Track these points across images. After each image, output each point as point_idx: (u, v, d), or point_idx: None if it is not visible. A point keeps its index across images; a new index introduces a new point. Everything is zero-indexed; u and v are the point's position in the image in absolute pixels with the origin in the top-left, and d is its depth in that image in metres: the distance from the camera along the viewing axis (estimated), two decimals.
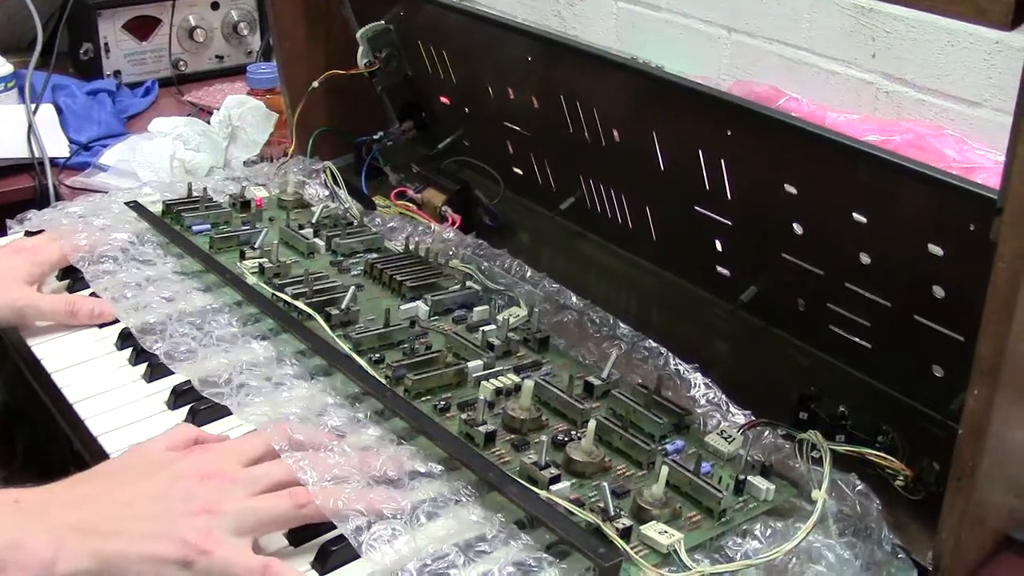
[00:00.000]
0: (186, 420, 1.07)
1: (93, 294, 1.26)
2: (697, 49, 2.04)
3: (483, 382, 1.08)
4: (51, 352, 1.19)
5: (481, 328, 1.18)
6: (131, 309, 1.21)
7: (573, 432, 1.02)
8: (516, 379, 1.09)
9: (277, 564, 0.88)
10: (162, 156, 1.73)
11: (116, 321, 1.22)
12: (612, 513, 0.89)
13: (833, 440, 1.00)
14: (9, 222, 1.41)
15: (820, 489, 0.93)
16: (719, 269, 1.18)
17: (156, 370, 1.14)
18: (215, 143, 1.76)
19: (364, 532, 0.88)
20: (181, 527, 0.87)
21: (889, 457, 0.99)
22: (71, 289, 1.31)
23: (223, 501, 0.89)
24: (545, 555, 0.87)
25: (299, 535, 0.92)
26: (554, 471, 0.94)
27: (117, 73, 2.15)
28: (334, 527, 0.90)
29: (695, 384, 1.09)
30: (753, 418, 1.05)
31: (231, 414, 1.06)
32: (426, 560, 0.86)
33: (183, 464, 0.93)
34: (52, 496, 0.90)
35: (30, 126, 1.82)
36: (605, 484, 0.91)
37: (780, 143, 1.05)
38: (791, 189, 1.05)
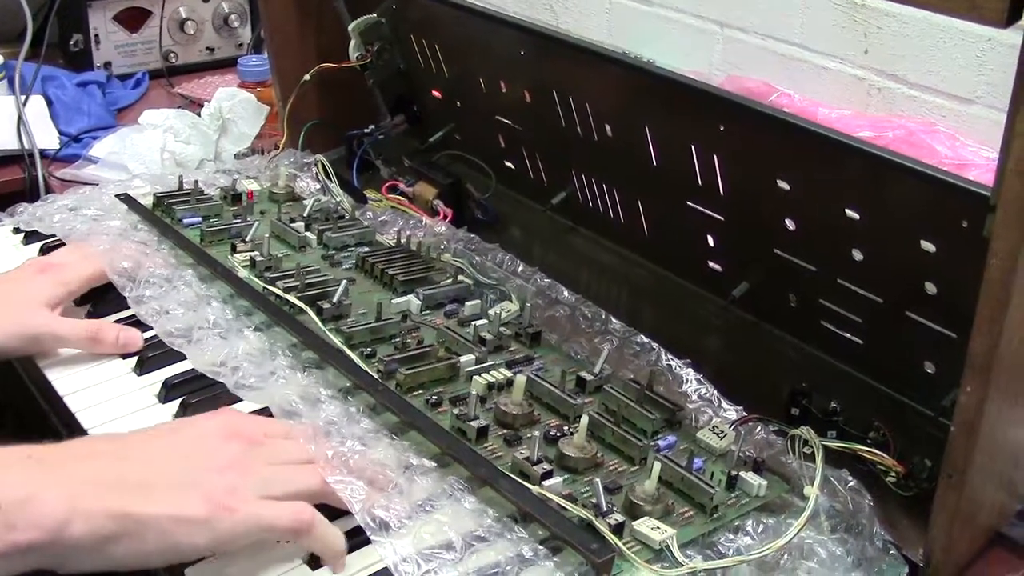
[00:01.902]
0: (177, 413, 1.06)
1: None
2: (689, 44, 2.04)
3: (475, 377, 1.08)
4: None
5: (473, 323, 1.18)
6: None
7: (565, 427, 1.02)
8: (508, 374, 1.09)
9: (310, 508, 0.85)
10: (152, 148, 1.72)
11: (142, 352, 1.15)
12: (604, 509, 0.89)
13: (825, 436, 1.00)
14: (0, 215, 1.40)
15: (812, 485, 0.93)
16: (711, 264, 1.18)
17: (146, 363, 1.13)
18: (206, 136, 1.75)
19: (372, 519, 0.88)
20: (205, 484, 0.83)
21: (881, 453, 0.99)
22: (94, 314, 1.22)
23: (248, 463, 0.86)
24: (540, 547, 0.87)
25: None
26: (546, 466, 0.94)
27: (107, 65, 2.15)
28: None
29: (687, 380, 1.09)
30: (745, 414, 1.05)
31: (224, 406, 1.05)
32: (426, 545, 0.86)
33: (209, 424, 0.90)
34: (68, 451, 0.85)
35: (20, 117, 1.81)
36: (598, 480, 0.91)
37: (773, 139, 1.05)
38: (784, 185, 1.05)
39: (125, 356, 1.15)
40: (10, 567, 0.78)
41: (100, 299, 1.23)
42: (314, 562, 0.88)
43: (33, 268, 1.20)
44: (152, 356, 1.13)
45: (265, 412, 1.02)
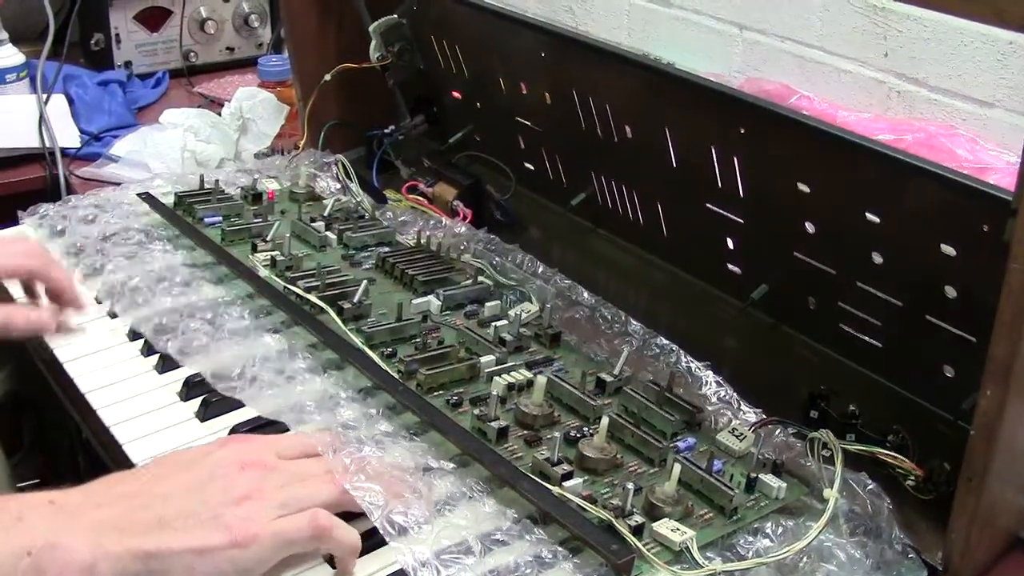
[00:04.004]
0: (198, 412, 1.07)
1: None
2: (709, 46, 2.04)
3: (495, 377, 1.08)
4: (63, 342, 1.19)
5: (493, 323, 1.18)
6: (141, 305, 1.22)
7: (585, 428, 1.03)
8: (528, 375, 1.09)
9: (324, 513, 0.87)
10: (173, 147, 1.73)
11: (59, 329, 1.19)
12: (628, 510, 0.89)
13: (844, 439, 1.01)
14: (20, 214, 1.41)
15: (831, 488, 0.93)
16: (730, 267, 1.19)
17: (168, 361, 1.14)
18: (226, 135, 1.76)
19: (390, 524, 0.88)
20: (224, 516, 0.84)
21: (900, 456, 0.99)
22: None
23: (264, 489, 0.87)
24: (560, 548, 0.87)
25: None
26: (566, 467, 0.94)
27: (128, 64, 2.16)
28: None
29: (706, 382, 1.09)
30: (764, 416, 1.05)
31: (243, 406, 1.06)
32: (444, 548, 0.86)
33: (220, 454, 0.91)
34: (88, 495, 0.86)
35: (41, 116, 1.82)
36: (629, 485, 0.91)
37: (793, 141, 1.06)
38: (803, 187, 1.05)
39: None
40: None
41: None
42: (333, 559, 0.89)
43: None
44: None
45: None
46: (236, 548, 0.83)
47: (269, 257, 1.28)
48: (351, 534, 0.88)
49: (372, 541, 0.89)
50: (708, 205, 1.17)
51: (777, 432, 1.03)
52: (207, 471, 0.89)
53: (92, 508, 0.84)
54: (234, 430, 1.04)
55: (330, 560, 0.89)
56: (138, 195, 1.41)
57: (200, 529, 0.83)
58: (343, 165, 1.51)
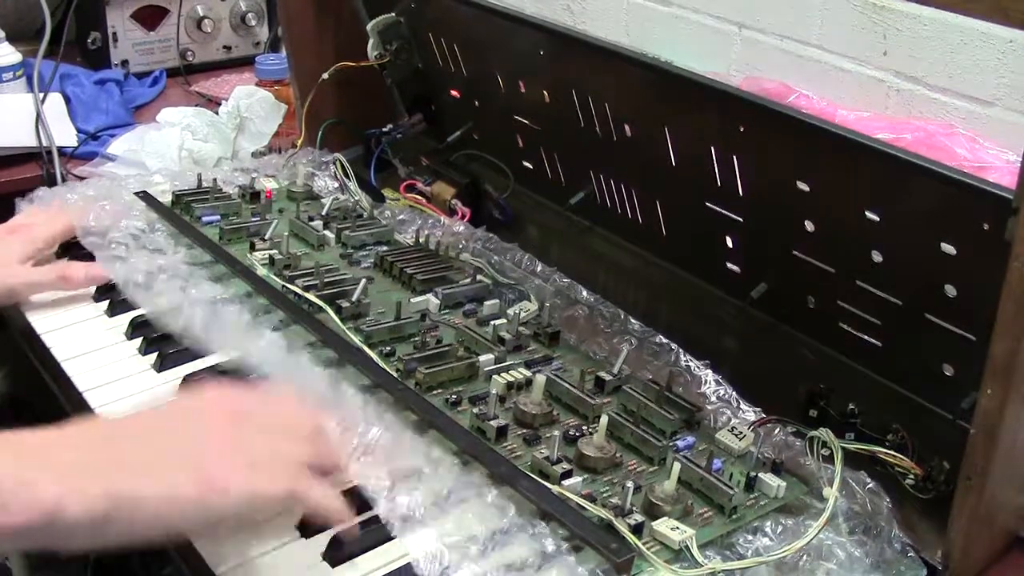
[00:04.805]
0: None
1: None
2: (707, 45, 2.03)
3: (494, 376, 1.08)
4: (61, 340, 1.19)
5: (492, 322, 1.18)
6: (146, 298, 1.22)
7: (584, 427, 1.02)
8: (527, 374, 1.09)
9: (304, 485, 0.85)
10: (170, 146, 1.73)
11: (111, 287, 1.25)
12: (628, 509, 0.89)
13: (843, 438, 1.01)
14: (18, 201, 1.41)
15: (831, 487, 0.93)
16: (729, 265, 1.18)
17: (166, 359, 1.14)
18: (223, 134, 1.76)
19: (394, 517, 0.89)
20: (197, 462, 0.82)
21: (899, 455, 0.99)
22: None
23: (240, 437, 0.86)
24: (563, 543, 0.87)
25: (310, 528, 0.91)
26: (566, 466, 0.94)
27: (125, 63, 2.15)
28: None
29: (706, 380, 1.09)
30: (763, 415, 1.05)
31: None
32: (451, 543, 0.86)
33: (198, 401, 0.91)
34: (60, 436, 0.84)
35: (38, 115, 1.81)
36: (628, 483, 0.91)
37: (792, 140, 1.05)
38: (803, 186, 1.05)
39: (97, 299, 1.25)
40: (5, 547, 0.78)
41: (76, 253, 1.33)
42: (306, 529, 0.89)
43: (2, 231, 1.29)
44: (170, 353, 1.15)
45: None
46: (205, 499, 0.81)
47: (267, 256, 1.28)
48: (330, 498, 0.87)
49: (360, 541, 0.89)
50: (707, 204, 1.16)
51: (776, 431, 1.03)
52: (182, 416, 0.88)
53: (63, 446, 0.82)
54: None
55: (302, 528, 0.88)
56: (135, 194, 1.40)
57: (172, 475, 0.81)
58: (341, 164, 1.51)
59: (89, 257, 1.29)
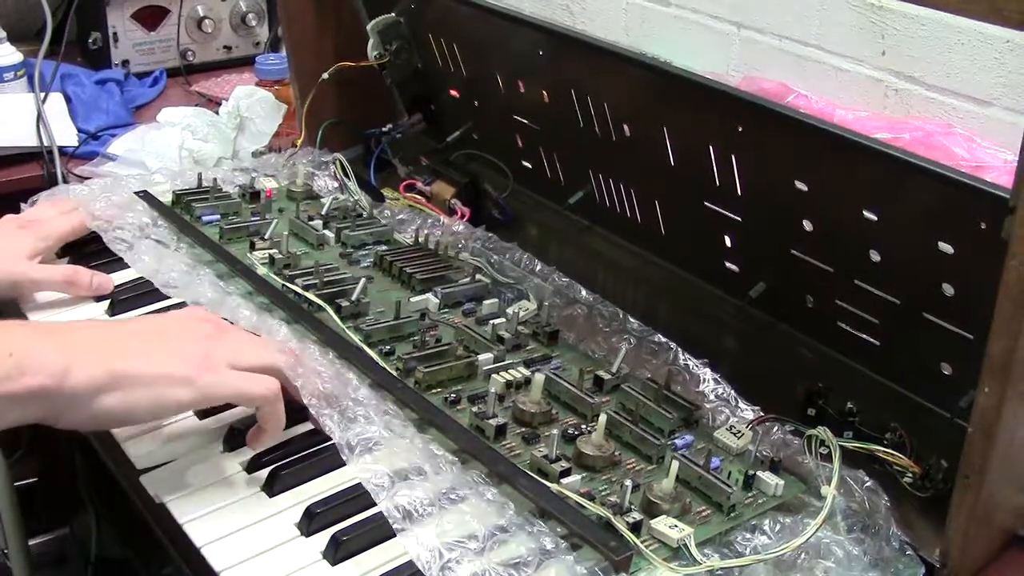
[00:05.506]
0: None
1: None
2: (706, 45, 2.04)
3: (493, 375, 1.08)
4: None
5: (491, 321, 1.19)
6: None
7: (583, 426, 1.03)
8: (526, 372, 1.09)
9: (277, 383, 0.99)
10: (171, 146, 1.73)
11: (114, 296, 1.26)
12: (626, 507, 0.89)
13: (841, 436, 1.01)
14: (23, 205, 1.41)
15: (829, 485, 0.93)
16: (728, 264, 1.19)
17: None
18: (224, 133, 1.76)
19: (394, 515, 0.89)
20: (186, 349, 0.97)
21: (897, 454, 0.99)
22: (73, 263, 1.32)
23: (220, 336, 1.01)
24: (562, 540, 0.88)
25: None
26: (564, 464, 0.95)
27: (125, 63, 2.15)
28: (347, 517, 0.91)
29: (704, 379, 1.09)
30: (762, 414, 1.05)
31: None
32: (450, 541, 0.87)
33: (182, 311, 1.11)
34: (69, 323, 1.05)
35: (39, 115, 1.82)
36: (627, 482, 0.91)
37: (790, 140, 1.06)
38: (801, 186, 1.05)
39: (99, 299, 1.27)
40: (18, 413, 0.88)
41: (78, 253, 1.35)
42: (333, 554, 0.89)
43: (13, 224, 1.31)
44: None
45: None
46: (195, 379, 0.95)
47: (267, 255, 1.28)
48: (283, 414, 0.99)
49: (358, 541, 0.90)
50: (706, 203, 1.17)
51: (775, 429, 1.03)
52: (170, 319, 1.06)
53: (68, 331, 0.97)
54: (231, 428, 1.04)
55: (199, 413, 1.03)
56: (136, 193, 1.41)
57: (166, 358, 0.95)
58: (341, 164, 1.51)
59: (91, 257, 1.29)
